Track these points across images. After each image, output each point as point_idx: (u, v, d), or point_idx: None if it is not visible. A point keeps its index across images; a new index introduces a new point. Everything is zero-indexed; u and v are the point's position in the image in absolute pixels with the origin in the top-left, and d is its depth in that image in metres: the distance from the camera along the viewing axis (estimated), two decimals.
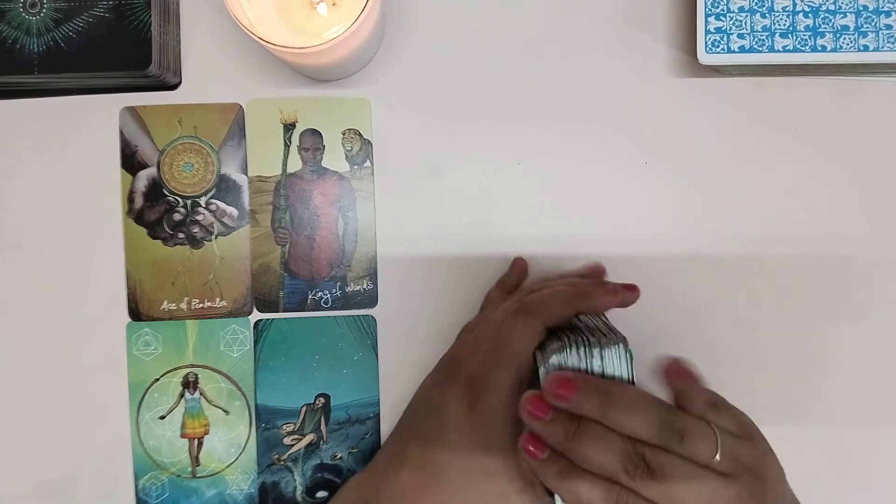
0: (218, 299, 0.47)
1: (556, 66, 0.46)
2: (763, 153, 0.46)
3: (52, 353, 0.47)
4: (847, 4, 0.42)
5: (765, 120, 0.46)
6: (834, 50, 0.42)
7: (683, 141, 0.46)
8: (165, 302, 0.46)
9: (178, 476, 0.46)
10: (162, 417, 0.47)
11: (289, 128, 0.47)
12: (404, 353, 0.46)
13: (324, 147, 0.47)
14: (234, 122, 0.46)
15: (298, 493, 0.46)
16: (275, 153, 0.47)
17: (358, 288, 0.47)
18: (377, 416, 0.46)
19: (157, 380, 0.47)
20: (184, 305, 0.46)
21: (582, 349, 0.35)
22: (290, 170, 0.47)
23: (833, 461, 0.46)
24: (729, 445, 0.33)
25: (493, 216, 0.46)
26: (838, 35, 0.42)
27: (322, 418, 0.46)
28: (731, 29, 0.42)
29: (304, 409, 0.46)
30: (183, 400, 0.47)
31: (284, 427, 0.46)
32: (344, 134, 0.47)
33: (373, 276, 0.46)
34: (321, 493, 0.46)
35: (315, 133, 0.47)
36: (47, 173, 0.47)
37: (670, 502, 0.31)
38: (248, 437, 0.47)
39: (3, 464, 0.47)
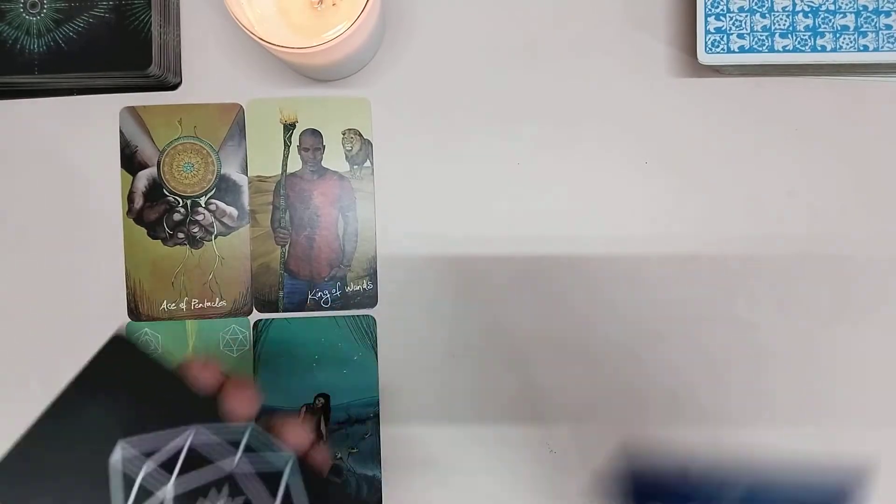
0: (218, 299, 0.47)
1: (556, 66, 0.46)
2: (763, 153, 0.46)
3: (53, 352, 0.47)
4: (847, 4, 0.42)
5: (765, 120, 0.46)
6: (834, 50, 0.42)
7: (683, 141, 0.46)
8: (165, 302, 0.46)
9: None
10: None
11: (289, 128, 0.47)
12: (404, 353, 0.46)
13: (324, 147, 0.47)
14: (234, 122, 0.46)
15: None
16: (275, 153, 0.47)
17: (358, 288, 0.46)
18: (377, 416, 0.46)
19: None
20: (183, 305, 0.46)
21: None
22: (290, 170, 0.47)
23: (833, 461, 0.46)
24: None
25: (492, 216, 0.46)
26: (838, 35, 0.42)
27: (322, 418, 0.46)
28: (731, 29, 0.42)
29: (303, 409, 0.46)
30: None
31: None
32: (344, 134, 0.47)
33: (373, 276, 0.46)
34: None
35: (315, 133, 0.47)
36: (47, 173, 0.47)
37: None
38: None
39: None
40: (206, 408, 0.31)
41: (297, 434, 0.31)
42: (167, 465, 0.29)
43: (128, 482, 0.28)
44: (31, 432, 0.29)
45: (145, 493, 0.28)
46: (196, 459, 0.29)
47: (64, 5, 0.44)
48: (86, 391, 0.30)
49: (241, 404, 0.31)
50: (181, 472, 0.29)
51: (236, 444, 0.30)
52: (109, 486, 0.28)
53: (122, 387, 0.30)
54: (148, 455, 0.29)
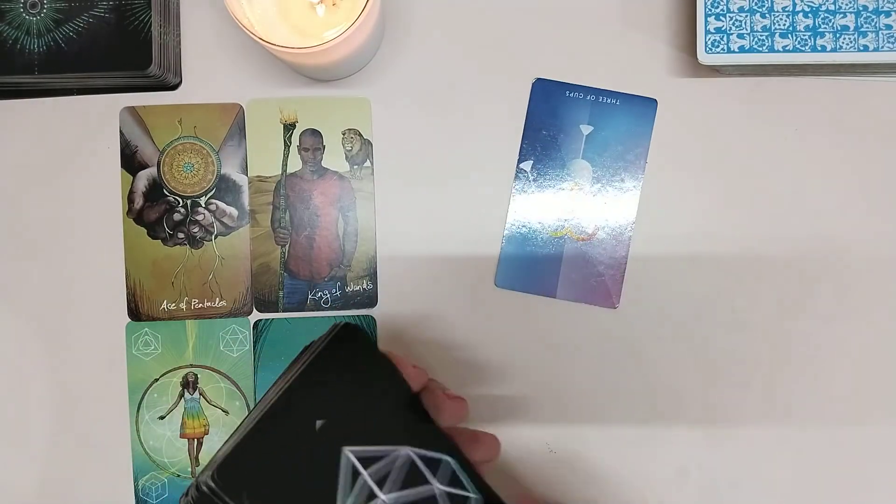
0: (218, 299, 0.47)
1: (556, 66, 0.46)
2: (763, 153, 0.46)
3: (52, 353, 0.47)
4: (847, 4, 0.42)
5: (765, 120, 0.46)
6: (834, 50, 0.42)
7: (683, 141, 0.46)
8: (165, 302, 0.46)
9: (178, 476, 0.46)
10: (162, 417, 0.47)
11: (289, 128, 0.47)
12: (404, 353, 0.46)
13: (324, 147, 0.47)
14: (234, 122, 0.46)
15: None
16: (275, 153, 0.47)
17: (358, 288, 0.46)
18: None
19: (157, 380, 0.47)
20: (183, 305, 0.46)
21: None
22: (290, 170, 0.47)
23: (833, 461, 0.46)
24: None
25: (492, 216, 0.46)
26: (838, 35, 0.42)
27: None
28: (731, 29, 0.42)
29: None
30: (183, 400, 0.47)
31: None
32: (344, 134, 0.47)
33: (373, 276, 0.46)
34: None
35: (315, 133, 0.47)
36: (47, 173, 0.47)
37: None
38: None
39: (3, 464, 0.47)
40: (422, 431, 0.34)
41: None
42: (380, 481, 0.31)
43: (345, 490, 0.30)
44: (259, 426, 0.30)
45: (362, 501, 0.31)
46: (405, 479, 0.31)
47: (64, 5, 0.44)
48: (316, 384, 0.32)
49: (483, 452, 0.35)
50: (390, 489, 0.31)
51: (435, 471, 0.32)
52: (331, 487, 0.30)
53: (350, 384, 0.33)
54: (366, 467, 0.31)
